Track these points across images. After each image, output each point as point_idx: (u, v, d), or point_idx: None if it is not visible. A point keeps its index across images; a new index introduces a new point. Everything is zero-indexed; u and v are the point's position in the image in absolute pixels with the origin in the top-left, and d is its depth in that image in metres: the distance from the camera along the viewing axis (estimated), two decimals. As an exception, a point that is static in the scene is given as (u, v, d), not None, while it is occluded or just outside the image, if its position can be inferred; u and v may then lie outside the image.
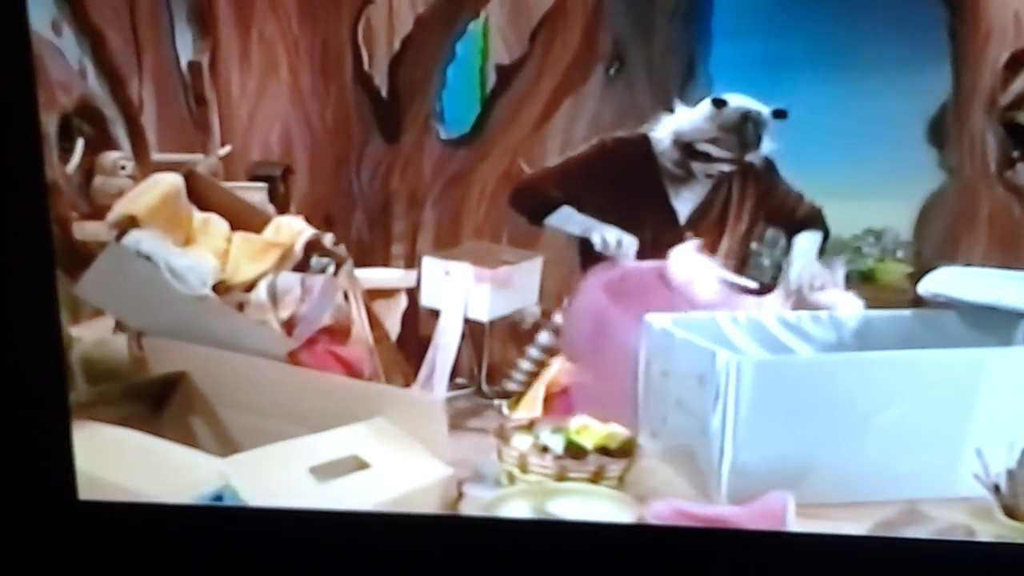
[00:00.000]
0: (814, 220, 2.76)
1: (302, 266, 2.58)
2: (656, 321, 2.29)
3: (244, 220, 2.62)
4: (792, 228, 2.79)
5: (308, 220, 2.74)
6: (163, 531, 1.92)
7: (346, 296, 2.60)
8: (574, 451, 2.09)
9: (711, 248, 2.68)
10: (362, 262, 2.89)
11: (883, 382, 2.02)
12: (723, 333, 2.36)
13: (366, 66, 3.09)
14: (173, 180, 2.54)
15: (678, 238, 2.65)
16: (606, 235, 2.62)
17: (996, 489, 1.90)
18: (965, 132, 2.89)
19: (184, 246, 2.51)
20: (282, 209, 2.91)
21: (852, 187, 2.79)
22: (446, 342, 2.74)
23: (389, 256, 3.08)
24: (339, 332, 2.55)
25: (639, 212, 2.70)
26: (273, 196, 2.95)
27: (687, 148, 2.61)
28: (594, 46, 3.01)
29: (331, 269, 2.60)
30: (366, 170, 3.14)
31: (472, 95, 3.16)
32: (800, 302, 2.65)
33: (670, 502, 1.94)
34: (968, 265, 2.74)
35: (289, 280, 2.53)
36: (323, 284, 2.54)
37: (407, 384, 2.69)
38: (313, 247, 2.62)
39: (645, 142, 2.69)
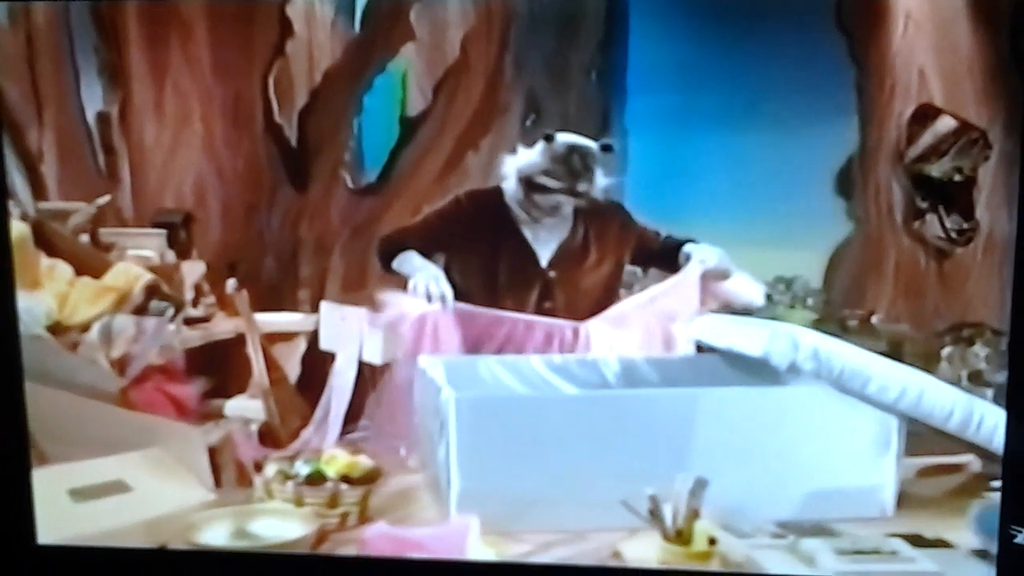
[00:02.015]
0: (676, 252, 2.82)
1: (142, 309, 2.69)
2: (423, 361, 2.55)
3: (87, 266, 2.73)
4: (658, 264, 2.87)
5: (210, 266, 2.85)
6: (122, 574, 2.13)
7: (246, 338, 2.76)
8: (314, 479, 2.31)
9: (575, 287, 2.82)
10: (271, 306, 2.93)
11: (597, 420, 2.22)
12: (479, 373, 2.55)
13: (276, 117, 3.02)
14: (19, 229, 2.62)
15: (541, 279, 2.81)
16: (418, 285, 2.73)
17: (652, 515, 2.11)
18: (871, 183, 2.86)
19: (30, 290, 2.60)
20: (183, 255, 2.91)
21: (763, 236, 2.76)
22: (340, 384, 2.77)
23: (296, 300, 3.02)
24: (171, 371, 2.70)
25: (501, 258, 2.80)
26: (174, 242, 2.92)
27: (528, 183, 2.71)
28: (496, 100, 2.99)
29: (170, 312, 2.71)
30: (276, 217, 3.06)
31: (390, 145, 3.11)
32: (707, 295, 2.75)
33: (380, 526, 2.25)
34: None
35: (124, 322, 2.65)
36: (155, 326, 2.67)
37: (303, 425, 2.77)
38: (152, 291, 2.72)
39: (498, 192, 2.79)
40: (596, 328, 2.81)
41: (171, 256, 2.86)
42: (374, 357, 2.79)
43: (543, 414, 2.25)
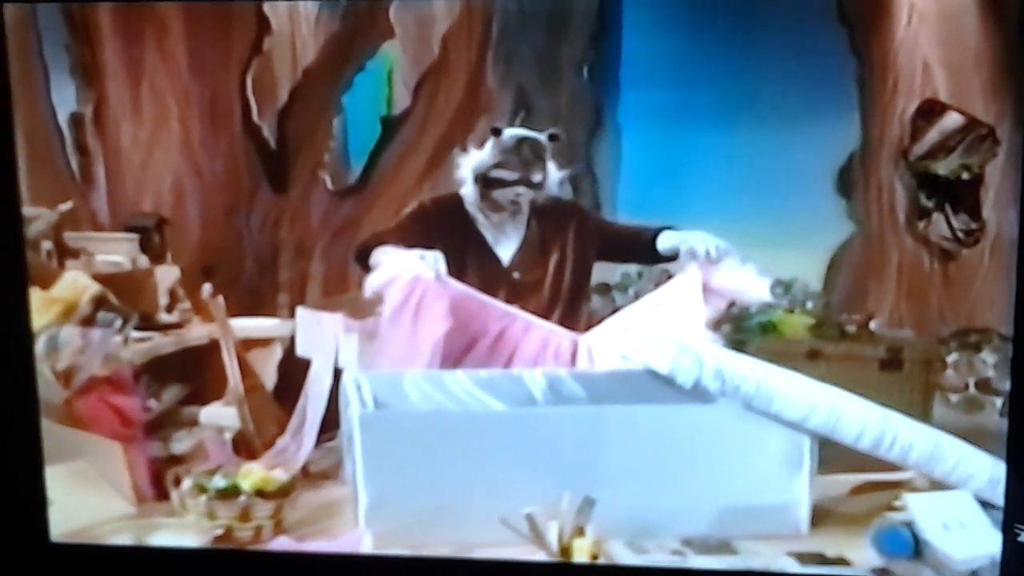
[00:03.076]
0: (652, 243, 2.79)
1: (89, 320, 2.61)
2: (347, 376, 2.56)
3: (35, 276, 2.60)
4: (634, 258, 2.84)
5: (186, 271, 2.83)
6: (134, 572, 2.21)
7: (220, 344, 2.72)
8: (227, 493, 2.35)
9: (540, 287, 2.81)
10: (250, 311, 2.88)
11: (505, 437, 2.25)
12: (404, 388, 2.52)
13: (255, 117, 2.94)
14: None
15: (506, 281, 2.78)
16: (410, 255, 2.70)
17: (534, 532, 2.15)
18: (873, 182, 2.78)
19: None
20: (157, 259, 2.87)
21: (761, 236, 2.70)
22: (316, 391, 2.72)
23: (276, 305, 2.96)
24: (116, 383, 2.64)
25: (466, 262, 2.78)
26: (147, 247, 2.86)
27: (484, 180, 2.73)
28: (479, 98, 2.93)
29: (118, 324, 2.64)
30: (255, 220, 2.99)
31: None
32: (710, 292, 2.70)
33: (282, 540, 2.31)
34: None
35: (70, 333, 2.58)
36: (100, 337, 2.61)
37: (280, 433, 2.73)
38: (100, 303, 2.64)
39: (457, 198, 2.80)
40: (596, 340, 2.73)
41: (144, 261, 2.81)
42: (350, 363, 2.74)
43: (449, 430, 2.29)
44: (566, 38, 2.85)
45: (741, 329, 2.77)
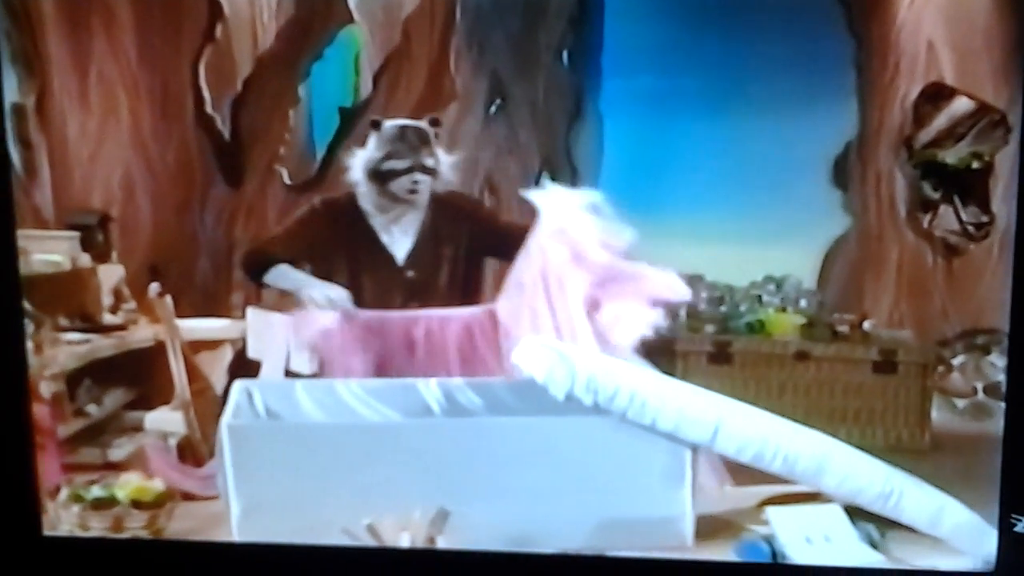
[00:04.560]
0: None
1: None
2: (236, 385, 2.49)
3: None
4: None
5: (130, 270, 2.76)
6: (127, 566, 2.21)
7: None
8: (102, 503, 2.32)
9: (436, 284, 2.75)
10: (203, 312, 2.80)
11: (378, 447, 2.24)
12: (295, 397, 2.47)
13: (208, 108, 2.82)
14: None
15: (400, 280, 2.71)
16: (313, 294, 2.66)
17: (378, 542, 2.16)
18: (871, 173, 2.68)
19: None
20: (101, 258, 2.76)
21: (751, 231, 2.64)
22: None
23: (229, 306, 2.84)
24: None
25: (359, 262, 2.72)
26: (89, 245, 2.74)
27: (377, 175, 2.67)
28: (441, 87, 2.83)
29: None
30: (209, 216, 2.87)
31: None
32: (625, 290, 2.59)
33: None
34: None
35: None
36: None
37: None
38: None
39: (350, 198, 2.72)
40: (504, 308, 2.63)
41: (86, 260, 2.69)
42: (301, 367, 2.68)
43: (320, 441, 2.28)
44: (543, 21, 2.74)
45: (726, 330, 2.69)
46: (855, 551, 2.14)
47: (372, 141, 2.66)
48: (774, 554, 2.14)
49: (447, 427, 2.36)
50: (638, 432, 2.22)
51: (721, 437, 2.22)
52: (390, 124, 2.66)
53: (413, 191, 2.68)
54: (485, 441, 2.26)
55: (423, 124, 2.67)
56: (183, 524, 2.40)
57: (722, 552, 2.23)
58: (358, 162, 2.68)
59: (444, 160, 2.68)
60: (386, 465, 2.21)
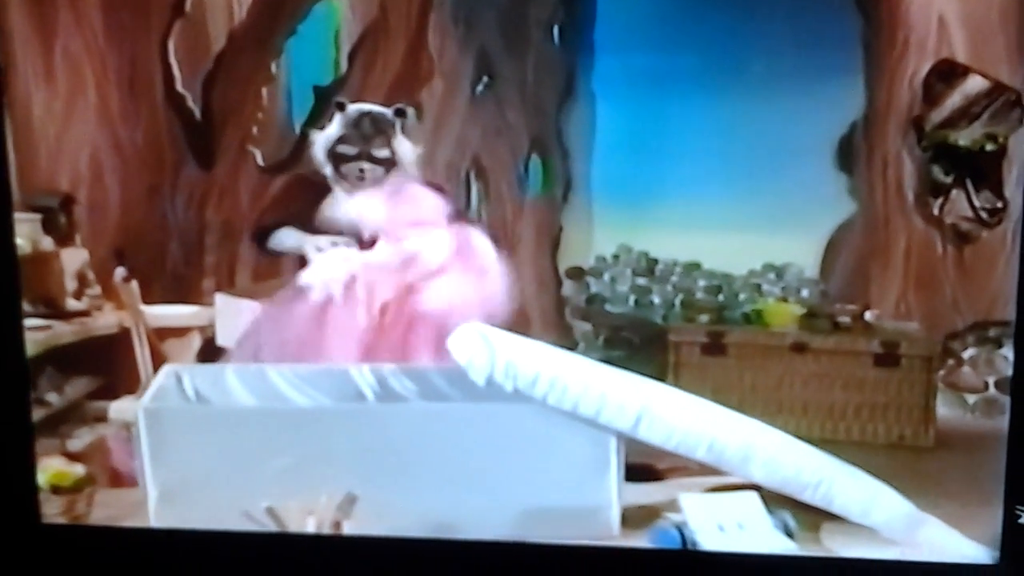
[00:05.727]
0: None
1: None
2: (165, 369, 2.49)
3: None
4: None
5: (95, 254, 2.71)
6: (125, 554, 2.16)
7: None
8: None
9: None
10: (173, 298, 2.77)
11: (298, 433, 2.21)
12: (226, 383, 2.45)
13: (178, 85, 2.78)
14: None
15: None
16: (319, 243, 2.63)
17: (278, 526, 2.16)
18: (878, 155, 2.61)
19: None
20: (64, 242, 2.70)
21: (751, 217, 2.57)
22: None
23: (201, 291, 2.81)
24: None
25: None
26: (51, 228, 2.69)
27: (332, 155, 2.66)
28: (419, 65, 2.79)
29: None
30: (179, 198, 2.83)
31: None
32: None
33: None
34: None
35: None
36: None
37: None
38: None
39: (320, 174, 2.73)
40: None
41: (48, 243, 2.63)
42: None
43: (238, 425, 2.28)
44: None
45: (722, 319, 2.65)
46: (769, 538, 2.12)
47: (336, 121, 2.65)
48: (684, 540, 2.12)
49: (366, 413, 2.38)
50: (565, 420, 2.22)
51: (644, 424, 2.20)
52: (354, 108, 2.66)
53: (360, 178, 2.68)
54: (408, 427, 2.27)
55: (387, 112, 2.66)
56: (95, 512, 2.37)
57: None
58: (320, 141, 2.67)
59: (407, 152, 2.67)
60: (305, 450, 2.22)
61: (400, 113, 2.67)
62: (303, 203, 2.72)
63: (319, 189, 2.70)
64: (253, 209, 2.83)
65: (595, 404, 2.20)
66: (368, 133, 2.65)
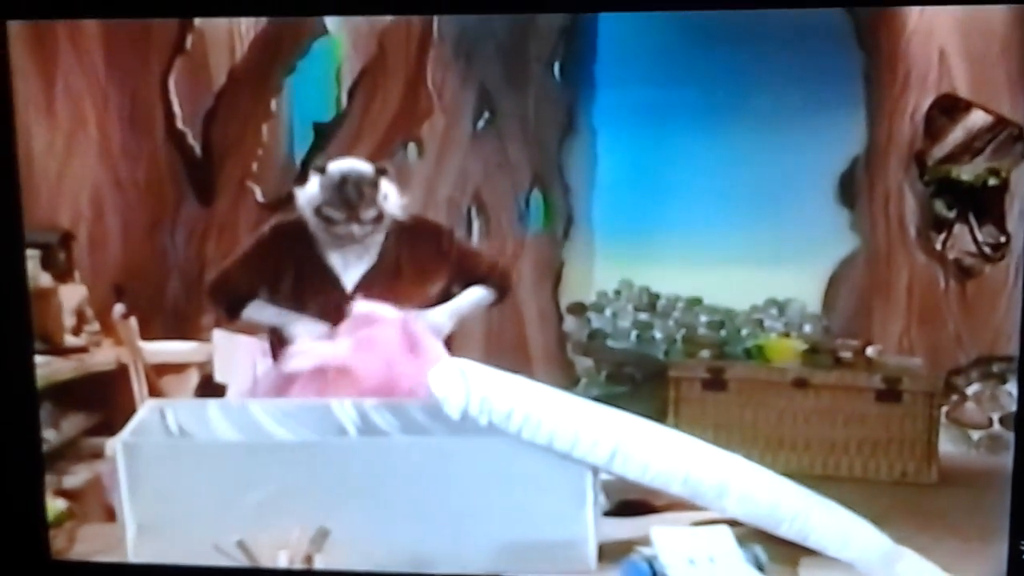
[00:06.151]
0: (491, 277, 2.75)
1: None
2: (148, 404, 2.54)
3: None
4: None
5: (95, 290, 2.72)
6: None
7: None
8: None
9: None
10: (172, 333, 2.79)
11: (271, 467, 2.25)
12: (207, 416, 2.49)
13: (179, 122, 2.78)
14: None
15: (345, 303, 2.65)
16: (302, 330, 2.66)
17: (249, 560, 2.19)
18: (879, 190, 2.59)
19: None
20: (62, 277, 2.69)
21: (752, 252, 2.55)
22: None
23: (200, 327, 2.81)
24: None
25: (306, 288, 2.69)
26: (50, 264, 2.68)
27: (319, 214, 2.65)
28: (419, 101, 2.78)
29: None
30: (179, 234, 2.83)
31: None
32: None
33: None
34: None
35: None
36: None
37: None
38: None
39: (302, 221, 2.69)
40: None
41: (47, 280, 2.63)
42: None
43: (218, 460, 2.30)
44: (534, 31, 2.65)
45: (723, 355, 2.63)
46: (740, 572, 2.14)
47: (316, 182, 2.63)
48: (655, 573, 2.14)
49: (343, 447, 2.38)
50: (543, 454, 2.23)
51: (619, 459, 2.21)
52: (335, 171, 2.62)
53: (350, 237, 2.65)
54: (385, 461, 2.28)
55: (368, 172, 2.63)
56: (74, 547, 2.39)
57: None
58: (303, 199, 2.65)
59: (393, 204, 2.65)
60: (283, 484, 2.24)
61: (382, 172, 2.65)
62: (281, 260, 2.69)
63: (302, 240, 2.68)
64: (238, 251, 2.78)
65: (569, 439, 2.21)
66: (352, 199, 2.63)
